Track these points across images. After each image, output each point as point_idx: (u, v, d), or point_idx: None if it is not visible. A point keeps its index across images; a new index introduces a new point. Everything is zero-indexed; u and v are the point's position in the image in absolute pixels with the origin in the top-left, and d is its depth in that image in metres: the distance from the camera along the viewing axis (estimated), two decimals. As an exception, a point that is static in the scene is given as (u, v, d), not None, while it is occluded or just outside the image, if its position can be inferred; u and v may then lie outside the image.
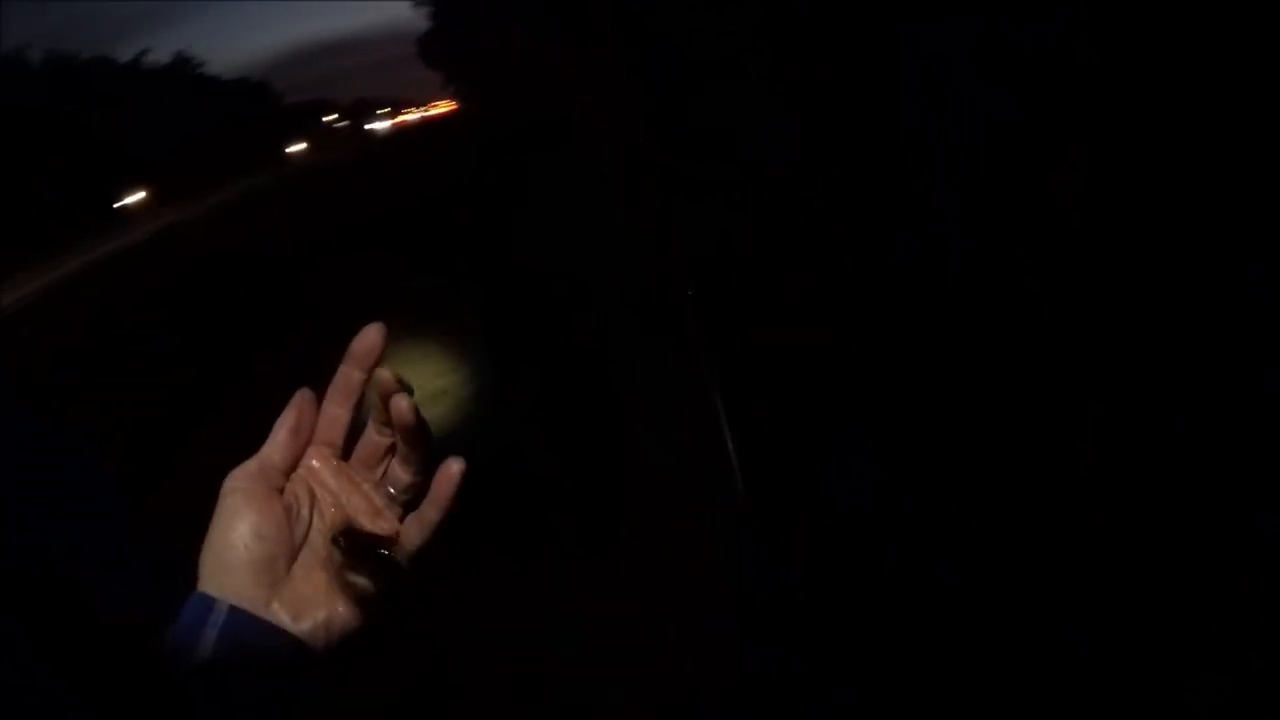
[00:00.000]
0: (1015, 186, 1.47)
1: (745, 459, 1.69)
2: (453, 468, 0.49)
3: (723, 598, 1.69)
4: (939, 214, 1.50)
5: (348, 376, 0.50)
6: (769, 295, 1.57)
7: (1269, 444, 1.34)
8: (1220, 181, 1.36)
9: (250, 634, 0.43)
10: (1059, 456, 1.46)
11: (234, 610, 0.44)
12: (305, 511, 0.49)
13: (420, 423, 0.48)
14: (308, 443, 0.51)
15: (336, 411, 0.51)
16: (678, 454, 1.92)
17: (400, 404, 0.47)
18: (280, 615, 0.45)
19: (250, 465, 0.49)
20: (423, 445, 0.49)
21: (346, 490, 0.51)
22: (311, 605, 0.46)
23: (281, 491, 0.49)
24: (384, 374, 0.48)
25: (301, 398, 0.51)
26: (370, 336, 0.49)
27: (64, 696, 0.45)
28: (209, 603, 0.44)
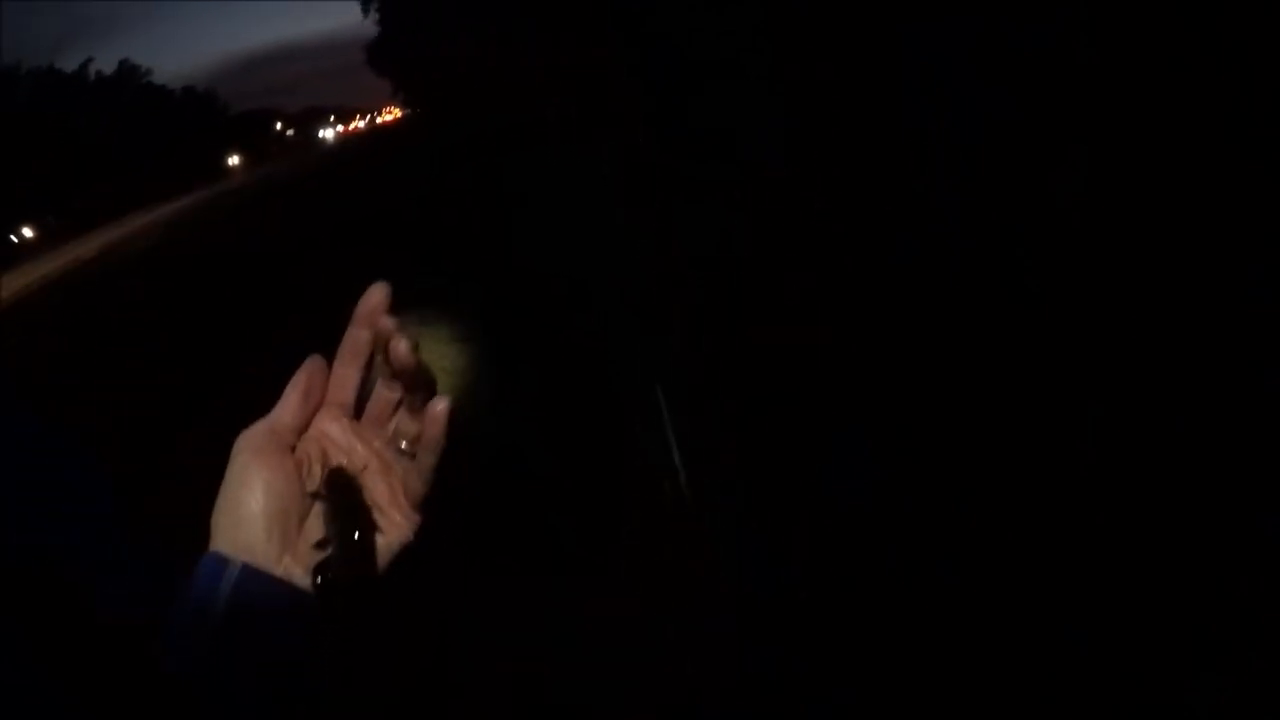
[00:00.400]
0: (1015, 186, 1.46)
1: (745, 459, 1.69)
2: (437, 408, 0.49)
3: (723, 598, 1.69)
4: (939, 214, 1.50)
5: (355, 337, 0.50)
6: (769, 295, 1.57)
7: (1269, 444, 1.34)
8: (1220, 181, 1.36)
9: (263, 590, 0.43)
10: (1059, 456, 1.46)
11: (247, 567, 0.43)
12: (317, 468, 0.49)
13: (420, 365, 0.48)
14: (318, 405, 0.51)
15: (346, 372, 0.51)
16: (678, 454, 1.92)
17: (398, 347, 0.47)
18: (293, 570, 0.45)
19: (260, 426, 0.49)
20: (425, 391, 0.49)
21: (358, 447, 0.51)
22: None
23: (293, 450, 0.49)
24: (384, 322, 0.48)
25: (312, 363, 0.51)
26: (375, 297, 0.49)
27: (62, 697, 0.45)
28: (222, 561, 0.44)
